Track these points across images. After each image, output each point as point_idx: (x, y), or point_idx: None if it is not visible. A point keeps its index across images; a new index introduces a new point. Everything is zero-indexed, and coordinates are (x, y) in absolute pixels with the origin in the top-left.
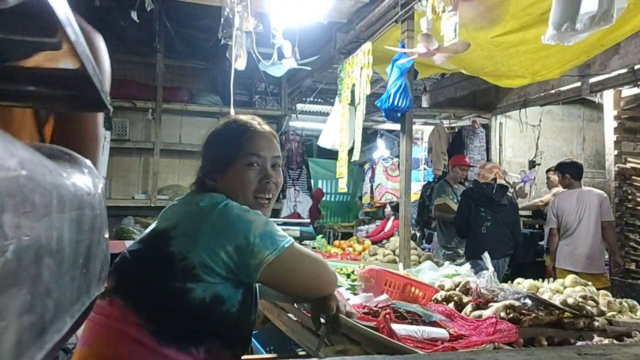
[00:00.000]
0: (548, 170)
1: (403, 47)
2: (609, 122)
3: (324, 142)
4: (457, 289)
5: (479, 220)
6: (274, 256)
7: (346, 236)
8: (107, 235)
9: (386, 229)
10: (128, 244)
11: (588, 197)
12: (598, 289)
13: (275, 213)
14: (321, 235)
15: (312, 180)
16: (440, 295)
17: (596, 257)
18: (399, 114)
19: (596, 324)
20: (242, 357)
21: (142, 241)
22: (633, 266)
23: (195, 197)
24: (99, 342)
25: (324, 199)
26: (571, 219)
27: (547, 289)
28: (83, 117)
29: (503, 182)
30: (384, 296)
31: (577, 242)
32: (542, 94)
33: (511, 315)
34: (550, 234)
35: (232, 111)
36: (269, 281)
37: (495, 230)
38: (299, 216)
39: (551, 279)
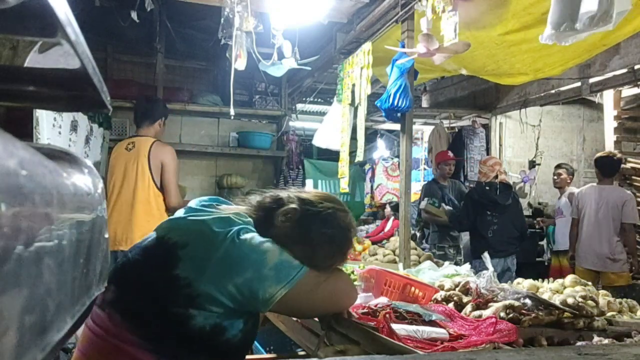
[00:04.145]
0: (557, 167)
1: (403, 47)
2: (609, 122)
3: (318, 141)
4: (457, 289)
5: (485, 224)
6: (287, 289)
7: None
8: (107, 236)
9: (386, 229)
10: None
11: (612, 195)
12: (619, 286)
13: None
14: None
15: (307, 181)
16: (440, 295)
17: (616, 255)
18: (399, 114)
19: (596, 324)
20: None
21: (147, 250)
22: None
23: (214, 218)
24: (97, 355)
25: None
26: (590, 213)
27: (547, 289)
28: (166, 174)
29: (505, 177)
30: (384, 299)
31: (594, 238)
32: (542, 94)
33: (511, 315)
34: (572, 224)
35: (232, 111)
36: (282, 311)
37: (501, 232)
38: None
39: (551, 279)
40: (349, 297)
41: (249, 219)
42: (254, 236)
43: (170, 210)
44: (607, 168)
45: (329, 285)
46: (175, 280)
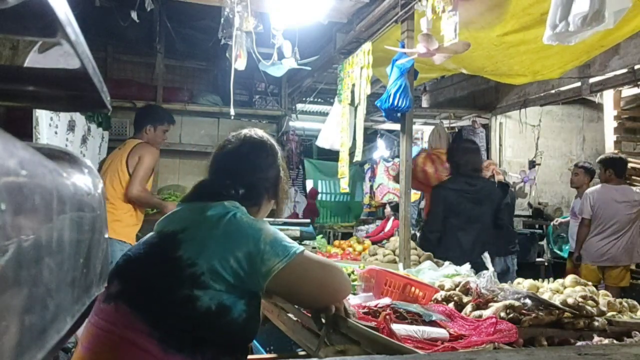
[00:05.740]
0: (575, 166)
1: (403, 47)
2: (609, 122)
3: (322, 142)
4: (457, 289)
5: None
6: (284, 264)
7: (346, 236)
8: (107, 235)
9: (386, 229)
10: None
11: (629, 194)
12: (616, 285)
13: (274, 213)
14: (321, 235)
15: (306, 181)
16: (440, 295)
17: (628, 254)
18: (399, 114)
19: (596, 324)
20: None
21: (148, 244)
22: (633, 266)
23: (207, 205)
24: (103, 348)
25: (323, 199)
26: (609, 214)
27: (547, 289)
28: (138, 165)
29: (501, 177)
30: (387, 300)
31: (610, 238)
32: (542, 94)
33: (511, 315)
34: (582, 224)
35: (232, 111)
36: (278, 289)
37: None
38: (297, 216)
39: (551, 279)
40: (342, 287)
41: (242, 207)
42: (249, 217)
43: (128, 199)
44: (622, 168)
45: (324, 270)
46: (179, 262)
